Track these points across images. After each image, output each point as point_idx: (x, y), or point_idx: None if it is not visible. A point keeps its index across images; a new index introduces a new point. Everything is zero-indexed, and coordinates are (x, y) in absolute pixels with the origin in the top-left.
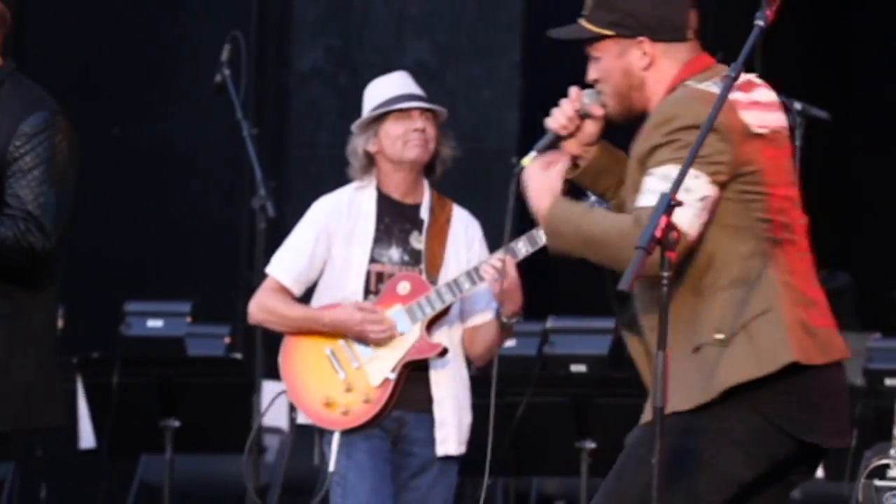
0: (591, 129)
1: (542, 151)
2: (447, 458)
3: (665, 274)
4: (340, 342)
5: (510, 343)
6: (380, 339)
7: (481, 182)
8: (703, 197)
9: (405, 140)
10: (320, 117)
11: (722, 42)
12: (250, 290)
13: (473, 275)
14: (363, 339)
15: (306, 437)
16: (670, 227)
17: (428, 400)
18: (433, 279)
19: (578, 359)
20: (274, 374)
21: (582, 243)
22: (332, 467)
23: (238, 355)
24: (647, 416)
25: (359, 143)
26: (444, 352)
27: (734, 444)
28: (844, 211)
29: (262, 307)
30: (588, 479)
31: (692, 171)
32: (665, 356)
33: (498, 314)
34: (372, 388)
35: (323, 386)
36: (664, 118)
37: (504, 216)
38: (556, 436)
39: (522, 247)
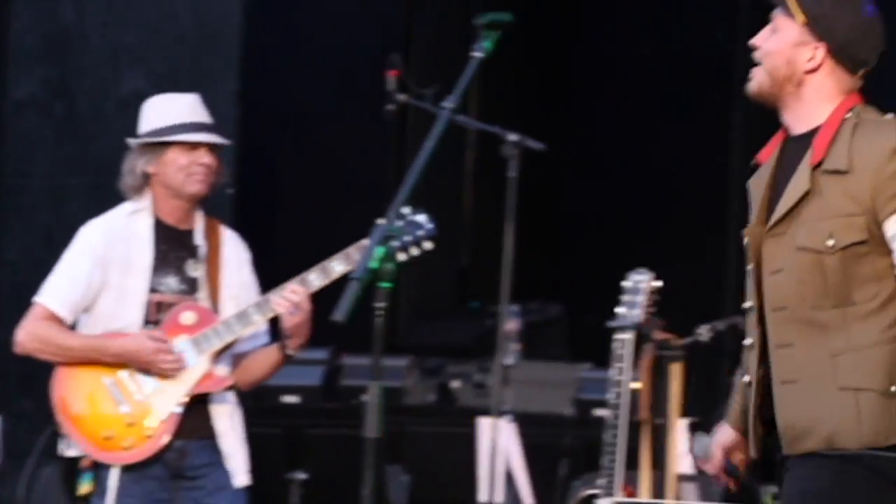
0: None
1: None
2: (237, 490)
3: (380, 305)
4: (122, 373)
5: None
6: (169, 371)
7: None
8: None
9: (189, 172)
10: (35, 147)
11: (440, 71)
12: None
13: (264, 306)
14: (149, 371)
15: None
16: (387, 257)
17: (207, 427)
18: (214, 307)
19: (290, 389)
20: None
21: None
22: None
23: None
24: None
25: (138, 163)
26: (231, 386)
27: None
28: (557, 241)
29: (35, 337)
30: None
31: None
32: None
33: (283, 345)
34: (155, 422)
35: (103, 419)
36: None
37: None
38: (267, 467)
39: (315, 279)
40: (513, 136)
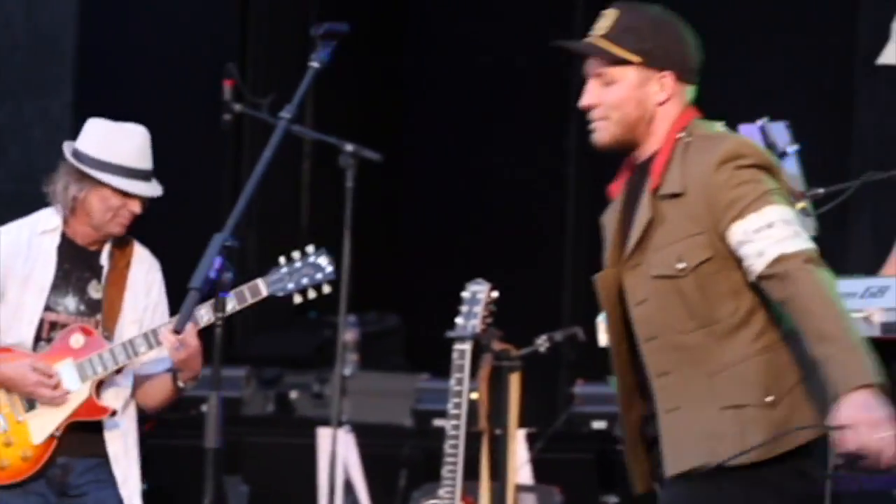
0: None
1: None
2: None
3: (220, 316)
4: (1, 393)
5: None
6: (50, 401)
7: None
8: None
9: (116, 215)
10: None
11: (276, 81)
12: None
13: (151, 338)
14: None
15: None
16: (224, 268)
17: (97, 447)
18: (109, 332)
19: None
20: None
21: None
22: None
23: None
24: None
25: (71, 185)
26: (113, 414)
27: (798, 500)
28: (394, 252)
29: None
30: None
31: (790, 209)
32: None
33: (174, 375)
34: (33, 445)
35: None
36: (729, 156)
37: None
38: None
39: (205, 314)
40: (349, 147)
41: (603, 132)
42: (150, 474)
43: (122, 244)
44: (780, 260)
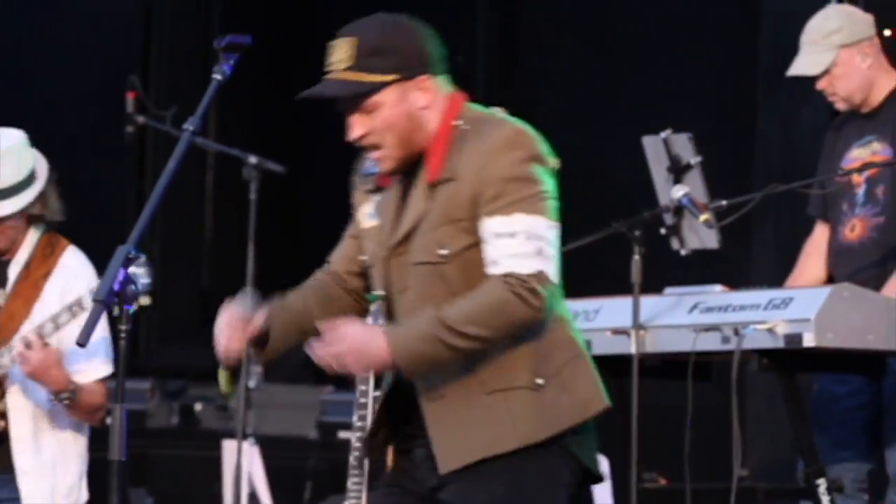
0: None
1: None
2: None
3: (123, 328)
4: None
5: None
6: None
7: None
8: (557, 249)
9: None
10: None
11: (178, 93)
12: None
13: (8, 352)
14: None
15: None
16: (129, 280)
17: (6, 462)
18: (4, 341)
19: None
20: None
21: (461, 340)
22: None
23: None
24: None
25: None
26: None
27: (563, 486)
28: (298, 263)
29: None
30: None
31: (546, 221)
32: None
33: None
34: None
35: None
36: (504, 147)
37: None
38: None
39: (48, 329)
40: (253, 159)
41: (385, 161)
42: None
43: (49, 252)
44: (505, 278)
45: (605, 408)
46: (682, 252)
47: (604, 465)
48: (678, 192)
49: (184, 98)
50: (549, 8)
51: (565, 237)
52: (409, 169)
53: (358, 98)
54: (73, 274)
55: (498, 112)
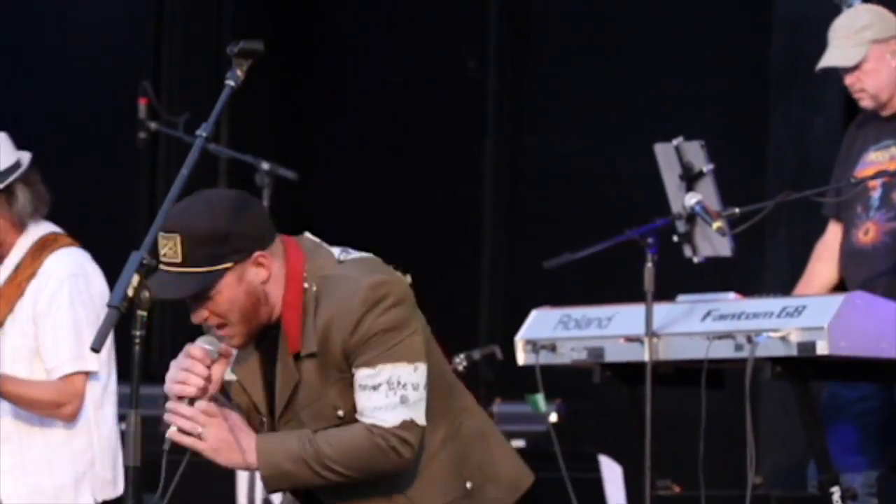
0: (219, 371)
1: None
2: None
3: (137, 333)
4: None
5: None
6: None
7: None
8: (424, 385)
9: None
10: None
11: (190, 101)
12: None
13: None
14: None
15: None
16: (142, 285)
17: None
18: None
19: None
20: None
21: (327, 472)
22: None
23: None
24: None
25: None
26: None
27: None
28: None
29: None
30: None
31: (408, 366)
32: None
33: None
34: None
35: None
36: (368, 304)
37: None
38: None
39: None
40: (265, 165)
41: (234, 337)
42: None
43: (37, 255)
44: (371, 429)
45: (533, 481)
46: (695, 260)
47: (617, 471)
48: (691, 199)
49: (196, 104)
50: (560, 14)
51: (578, 244)
52: (261, 336)
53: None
54: (48, 274)
55: (335, 254)
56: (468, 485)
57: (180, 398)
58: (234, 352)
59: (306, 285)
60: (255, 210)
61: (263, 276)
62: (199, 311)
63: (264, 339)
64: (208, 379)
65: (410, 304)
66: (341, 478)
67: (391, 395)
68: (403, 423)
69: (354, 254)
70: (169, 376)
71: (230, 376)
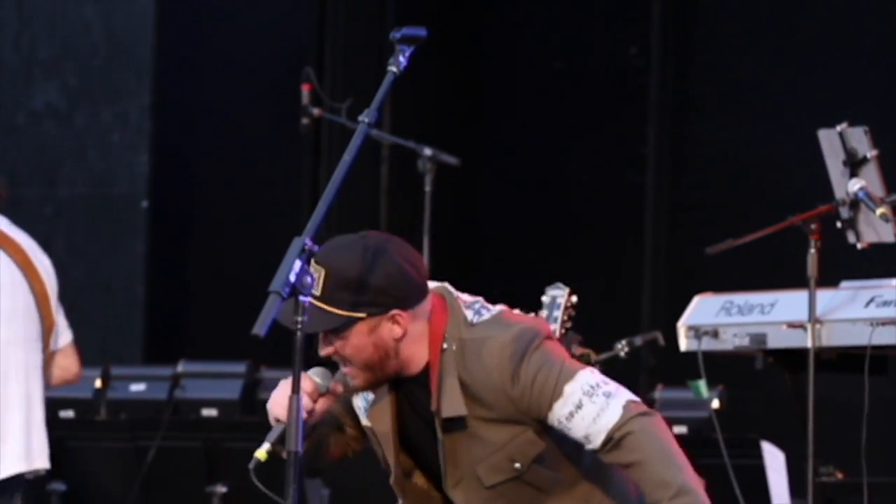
0: (324, 405)
1: (275, 444)
2: None
3: (299, 319)
4: None
5: (140, 387)
6: None
7: (111, 226)
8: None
9: None
10: None
11: (353, 85)
12: None
13: None
14: None
15: None
16: (305, 270)
17: None
18: None
19: (209, 403)
20: None
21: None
22: None
23: None
24: None
25: None
26: None
27: None
28: (472, 255)
29: None
30: None
31: (584, 373)
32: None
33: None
34: None
35: None
36: (520, 354)
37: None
38: (188, 480)
39: None
40: (428, 151)
41: (356, 378)
42: (229, 477)
43: None
44: (609, 435)
45: None
46: (859, 246)
47: (780, 458)
48: (854, 185)
49: (359, 90)
50: (724, 1)
51: (741, 231)
52: (399, 390)
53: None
54: None
55: (468, 317)
56: None
57: (278, 422)
58: (341, 389)
59: (445, 346)
60: (409, 270)
61: (397, 334)
62: (326, 346)
63: (406, 390)
64: (311, 412)
65: (551, 337)
66: (695, 481)
67: (596, 399)
68: (625, 407)
69: (485, 314)
70: (274, 396)
71: (365, 422)
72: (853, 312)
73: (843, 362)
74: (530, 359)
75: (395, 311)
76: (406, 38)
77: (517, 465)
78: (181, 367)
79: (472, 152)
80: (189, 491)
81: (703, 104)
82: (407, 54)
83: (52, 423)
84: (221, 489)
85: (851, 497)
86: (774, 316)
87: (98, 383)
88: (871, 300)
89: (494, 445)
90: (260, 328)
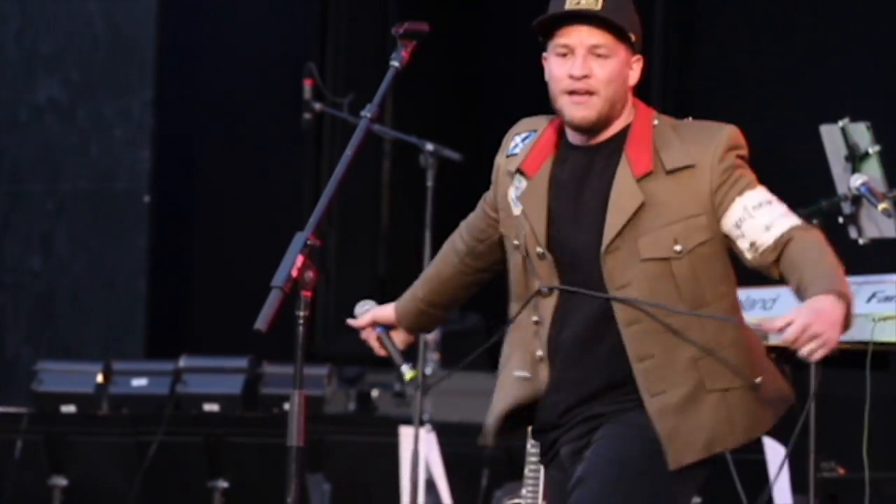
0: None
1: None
2: None
3: (301, 314)
4: None
5: (141, 382)
6: None
7: (113, 221)
8: None
9: None
10: None
11: (355, 80)
12: None
13: None
14: None
15: None
16: (306, 265)
17: None
18: None
19: (211, 398)
20: None
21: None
22: None
23: None
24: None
25: None
26: None
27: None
28: None
29: None
30: None
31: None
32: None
33: None
34: None
35: None
36: (735, 143)
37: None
38: (189, 475)
39: None
40: (430, 146)
41: (590, 108)
42: (231, 472)
43: None
44: (790, 230)
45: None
46: (860, 241)
47: (781, 453)
48: (856, 180)
49: (361, 85)
50: None
51: None
52: (568, 157)
53: (601, 35)
54: None
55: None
56: (757, 379)
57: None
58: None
59: (656, 122)
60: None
61: (634, 81)
62: (584, 65)
63: (573, 162)
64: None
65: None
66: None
67: (780, 206)
68: (795, 222)
69: None
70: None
71: (516, 212)
72: (855, 308)
73: (844, 357)
74: (737, 155)
75: (639, 57)
76: (408, 33)
77: (678, 247)
78: (183, 362)
79: (475, 147)
80: (191, 486)
81: (704, 100)
82: (409, 49)
83: (54, 417)
84: (223, 484)
85: (853, 493)
86: (777, 311)
87: (100, 378)
88: (873, 295)
89: (669, 218)
90: (262, 323)
